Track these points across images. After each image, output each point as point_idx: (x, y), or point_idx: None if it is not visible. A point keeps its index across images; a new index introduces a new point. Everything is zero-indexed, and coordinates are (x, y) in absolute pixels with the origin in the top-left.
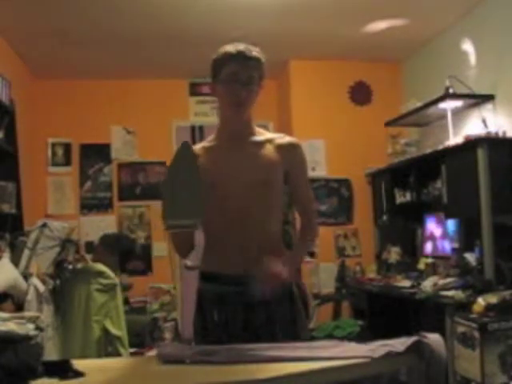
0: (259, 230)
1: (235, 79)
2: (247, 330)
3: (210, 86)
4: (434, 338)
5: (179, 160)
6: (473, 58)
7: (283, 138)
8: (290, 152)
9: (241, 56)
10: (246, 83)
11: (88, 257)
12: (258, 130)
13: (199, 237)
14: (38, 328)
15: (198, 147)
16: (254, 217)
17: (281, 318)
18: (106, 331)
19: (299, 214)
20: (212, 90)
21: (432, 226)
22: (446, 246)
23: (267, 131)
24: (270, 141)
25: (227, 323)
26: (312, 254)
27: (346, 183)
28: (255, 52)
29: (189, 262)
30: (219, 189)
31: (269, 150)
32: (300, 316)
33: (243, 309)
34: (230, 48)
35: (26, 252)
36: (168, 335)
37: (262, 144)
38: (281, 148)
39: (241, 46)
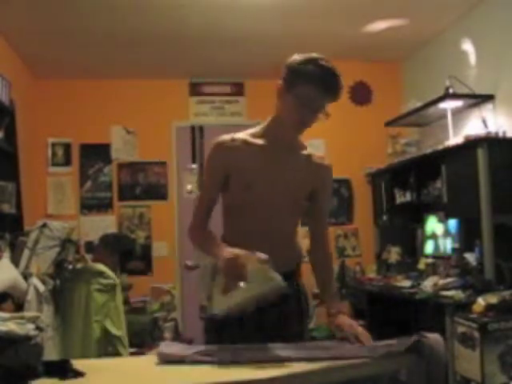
0: (283, 241)
1: (310, 104)
2: (260, 330)
3: (279, 85)
4: (433, 338)
5: None
6: (473, 58)
7: (320, 159)
8: (322, 174)
9: (327, 86)
10: (318, 112)
11: (88, 257)
12: (300, 141)
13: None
14: (38, 328)
15: (239, 137)
16: (279, 227)
17: (290, 317)
18: (105, 331)
19: (314, 236)
20: (279, 90)
21: (432, 226)
22: (446, 246)
23: (304, 143)
24: (308, 157)
25: (242, 323)
26: None
27: (346, 183)
28: (341, 85)
29: (189, 262)
30: (253, 193)
31: (307, 167)
32: (306, 314)
33: (256, 309)
34: (320, 68)
35: (26, 252)
36: (168, 335)
37: (302, 160)
38: (315, 167)
39: (330, 74)
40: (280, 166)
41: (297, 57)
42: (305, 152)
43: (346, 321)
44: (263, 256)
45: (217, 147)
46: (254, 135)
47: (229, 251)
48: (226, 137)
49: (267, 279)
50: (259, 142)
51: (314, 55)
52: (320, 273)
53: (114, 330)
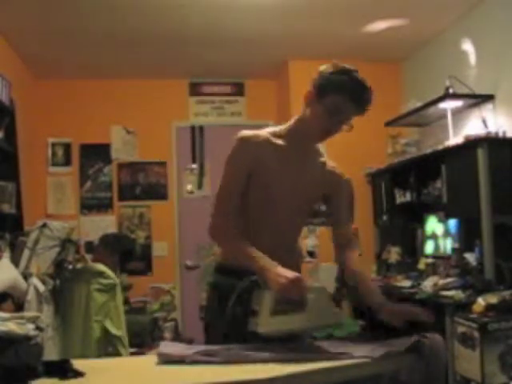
0: (292, 241)
1: (339, 115)
2: None
3: (309, 92)
4: (433, 338)
5: None
6: (473, 58)
7: (334, 168)
8: (336, 181)
9: (358, 99)
10: (344, 123)
11: (88, 257)
12: (318, 147)
13: None
14: (38, 328)
15: (262, 134)
16: (292, 228)
17: None
18: (105, 331)
19: (338, 239)
20: (309, 96)
21: (432, 226)
22: (446, 246)
23: (321, 150)
24: (323, 164)
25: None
26: (312, 254)
27: None
28: (371, 99)
29: (189, 262)
30: (272, 193)
31: (322, 173)
32: None
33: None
34: (353, 81)
35: (26, 252)
36: (168, 335)
37: (318, 165)
38: (329, 175)
39: (363, 87)
40: (298, 169)
41: (330, 66)
42: (322, 159)
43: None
44: (326, 288)
45: (243, 142)
46: (275, 135)
47: (290, 272)
48: (250, 132)
49: (331, 313)
50: (280, 142)
51: (348, 67)
52: (352, 275)
53: (114, 330)
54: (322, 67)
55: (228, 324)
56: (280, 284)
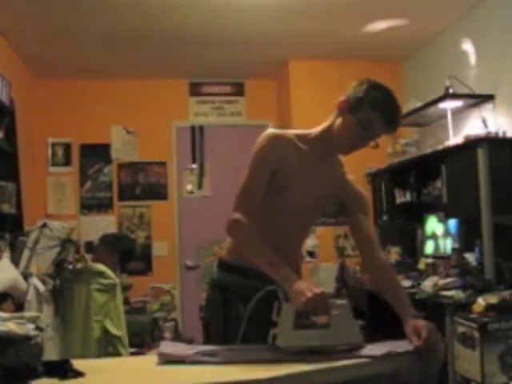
0: (300, 242)
1: (370, 131)
2: (260, 330)
3: (343, 102)
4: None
5: None
6: (473, 58)
7: (350, 178)
8: (352, 190)
9: (392, 119)
10: (372, 139)
11: (88, 257)
12: (339, 158)
13: None
14: (38, 328)
15: (289, 135)
16: (301, 230)
17: None
18: (105, 331)
19: (362, 244)
20: (342, 106)
21: (432, 226)
22: (446, 246)
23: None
24: (343, 174)
25: (254, 319)
26: (312, 254)
27: None
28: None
29: (189, 262)
30: (288, 195)
31: (340, 182)
32: None
33: (268, 306)
34: (390, 100)
35: (26, 252)
36: (168, 335)
37: (339, 175)
38: (349, 186)
39: (397, 109)
40: (317, 173)
41: (366, 81)
42: (342, 170)
43: (422, 324)
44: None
45: (272, 139)
46: (299, 138)
47: (315, 286)
48: (278, 131)
49: (354, 332)
50: (304, 146)
51: (385, 85)
52: (379, 280)
53: (114, 330)
54: (360, 81)
55: (246, 325)
56: (306, 298)
